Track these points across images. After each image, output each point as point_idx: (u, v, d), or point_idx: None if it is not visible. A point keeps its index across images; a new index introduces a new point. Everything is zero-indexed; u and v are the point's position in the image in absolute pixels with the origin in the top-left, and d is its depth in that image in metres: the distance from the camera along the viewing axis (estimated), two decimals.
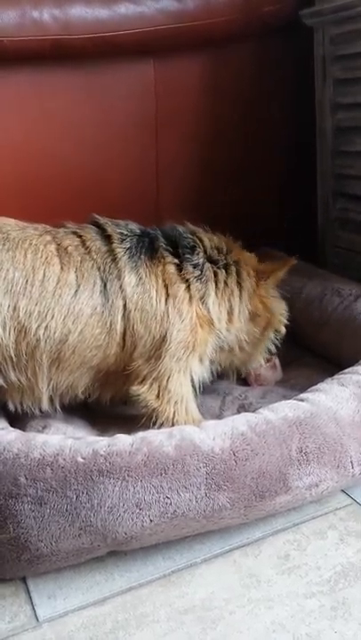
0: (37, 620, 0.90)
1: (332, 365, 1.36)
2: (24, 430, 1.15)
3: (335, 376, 1.17)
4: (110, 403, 1.25)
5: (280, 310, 1.31)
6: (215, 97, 1.71)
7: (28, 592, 0.95)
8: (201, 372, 1.24)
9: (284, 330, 1.33)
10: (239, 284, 1.26)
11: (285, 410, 1.05)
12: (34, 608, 0.92)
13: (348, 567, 0.95)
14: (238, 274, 1.26)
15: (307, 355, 1.49)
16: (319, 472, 1.01)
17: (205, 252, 1.25)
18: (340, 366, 1.24)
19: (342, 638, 0.84)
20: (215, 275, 1.23)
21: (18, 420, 1.22)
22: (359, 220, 1.65)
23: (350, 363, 1.22)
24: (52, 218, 1.22)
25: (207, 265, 1.23)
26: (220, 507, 0.96)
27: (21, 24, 1.44)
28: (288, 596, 0.91)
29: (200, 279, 1.22)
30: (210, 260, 1.24)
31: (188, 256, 1.22)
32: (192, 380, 1.22)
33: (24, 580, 0.97)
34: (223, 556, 0.99)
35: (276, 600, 0.91)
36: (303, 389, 1.16)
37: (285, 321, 1.32)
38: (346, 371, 1.18)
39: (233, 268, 1.26)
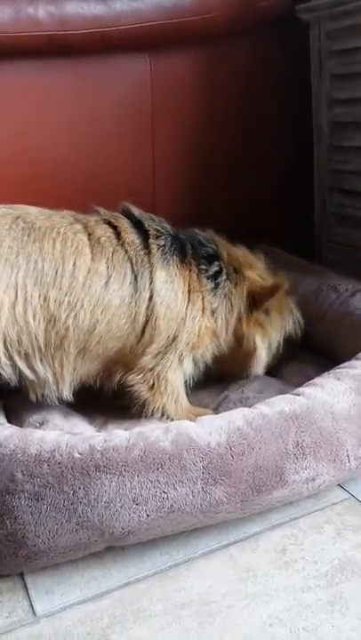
0: (35, 615, 0.90)
1: (328, 361, 1.35)
2: (21, 426, 1.15)
3: (331, 370, 1.17)
4: (109, 393, 1.25)
5: (259, 342, 1.29)
6: (211, 92, 1.71)
7: (25, 587, 0.95)
8: (191, 371, 1.27)
9: (262, 360, 1.31)
10: (237, 306, 1.27)
11: (282, 404, 1.06)
12: (31, 603, 0.92)
13: (345, 561, 0.95)
14: (241, 295, 1.27)
15: (303, 350, 1.49)
16: (316, 466, 1.01)
17: (224, 266, 1.26)
18: (336, 361, 1.24)
19: (339, 632, 0.84)
20: (229, 293, 1.25)
21: (15, 417, 1.22)
22: (356, 215, 1.66)
23: (347, 358, 1.22)
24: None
25: (226, 283, 1.25)
26: (216, 501, 0.96)
27: (17, 20, 1.44)
28: (285, 590, 0.91)
29: (214, 293, 1.24)
30: (227, 276, 1.26)
31: (204, 267, 1.24)
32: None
33: (21, 575, 0.97)
34: (220, 551, 1.00)
35: (273, 594, 0.91)
36: (299, 384, 1.16)
37: (263, 354, 1.31)
38: (342, 365, 1.18)
39: (238, 289, 1.27)
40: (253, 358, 1.30)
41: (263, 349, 1.31)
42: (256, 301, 1.28)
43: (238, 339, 1.28)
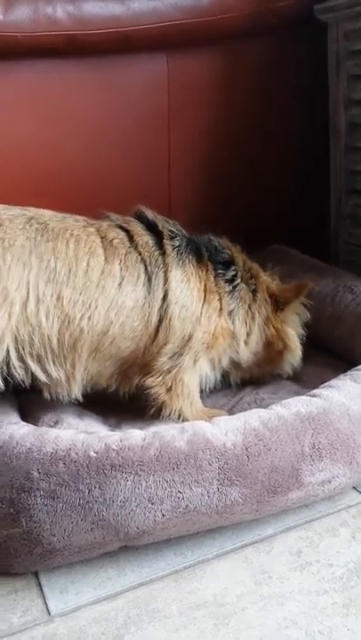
0: (49, 614, 0.90)
1: (344, 363, 1.35)
2: (36, 425, 1.15)
3: (348, 372, 1.17)
4: (125, 397, 1.25)
5: (294, 338, 1.33)
6: (228, 92, 1.70)
7: (40, 586, 0.95)
8: (209, 374, 1.27)
9: (299, 354, 1.35)
10: (259, 310, 1.29)
11: (298, 405, 1.05)
12: (46, 602, 0.92)
13: None
14: (260, 301, 1.30)
15: (319, 352, 1.48)
16: (332, 468, 1.01)
17: (240, 271, 1.28)
18: (352, 363, 1.24)
19: (355, 635, 0.84)
20: (245, 296, 1.27)
21: (30, 415, 1.22)
22: None
23: None
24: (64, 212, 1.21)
25: (242, 285, 1.27)
26: (232, 502, 0.96)
27: (35, 20, 1.44)
28: (300, 592, 0.91)
29: (231, 295, 1.25)
30: (244, 280, 1.28)
31: (222, 271, 1.25)
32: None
33: (36, 574, 0.97)
34: (235, 553, 0.99)
35: (288, 596, 0.90)
36: (315, 386, 1.16)
37: (299, 347, 1.34)
38: (359, 367, 1.18)
39: (258, 295, 1.29)
40: (289, 352, 1.33)
41: (297, 342, 1.34)
42: (282, 301, 1.31)
43: (268, 340, 1.31)
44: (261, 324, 1.29)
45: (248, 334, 1.28)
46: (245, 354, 1.29)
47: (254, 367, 1.34)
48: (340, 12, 1.56)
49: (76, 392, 1.18)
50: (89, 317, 1.11)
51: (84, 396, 1.21)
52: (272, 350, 1.32)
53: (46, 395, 1.18)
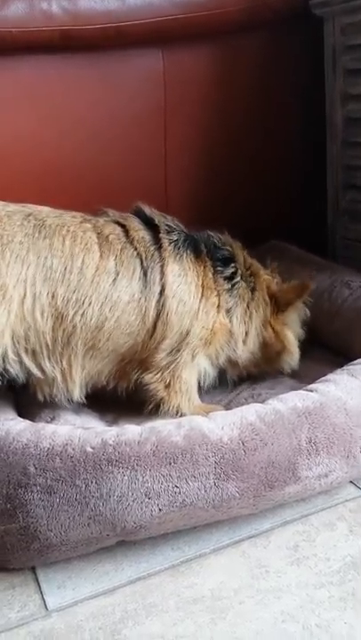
0: (47, 609, 0.90)
1: (341, 358, 1.35)
2: (33, 421, 1.15)
3: (345, 367, 1.17)
4: (123, 394, 1.25)
5: (293, 341, 1.33)
6: (224, 87, 1.70)
7: (37, 581, 0.95)
8: (207, 369, 1.27)
9: (297, 357, 1.35)
10: (257, 310, 1.29)
11: (295, 400, 1.05)
12: (43, 597, 0.92)
13: (358, 558, 0.95)
14: (258, 300, 1.29)
15: (316, 347, 1.48)
16: (329, 462, 1.01)
17: (240, 269, 1.27)
18: (350, 359, 1.24)
19: (352, 629, 0.84)
20: (244, 294, 1.26)
21: (27, 412, 1.22)
22: None
23: (360, 354, 1.22)
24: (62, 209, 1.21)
25: (241, 283, 1.26)
26: (228, 496, 0.96)
27: (30, 15, 1.44)
28: (297, 586, 0.91)
29: (230, 293, 1.24)
30: (243, 278, 1.27)
31: (220, 268, 1.25)
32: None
33: (33, 569, 0.97)
34: (232, 547, 0.99)
35: (285, 590, 0.90)
36: (313, 381, 1.16)
37: (297, 351, 1.34)
38: (356, 362, 1.18)
39: (256, 294, 1.29)
40: (287, 354, 1.33)
41: (295, 344, 1.34)
42: (283, 303, 1.31)
43: (266, 342, 1.30)
44: (259, 326, 1.29)
45: (246, 333, 1.28)
46: (243, 353, 1.29)
47: (251, 366, 1.33)
48: (337, 7, 1.56)
49: (77, 394, 1.18)
50: (82, 314, 1.11)
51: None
52: (270, 351, 1.31)
53: (40, 396, 1.18)
